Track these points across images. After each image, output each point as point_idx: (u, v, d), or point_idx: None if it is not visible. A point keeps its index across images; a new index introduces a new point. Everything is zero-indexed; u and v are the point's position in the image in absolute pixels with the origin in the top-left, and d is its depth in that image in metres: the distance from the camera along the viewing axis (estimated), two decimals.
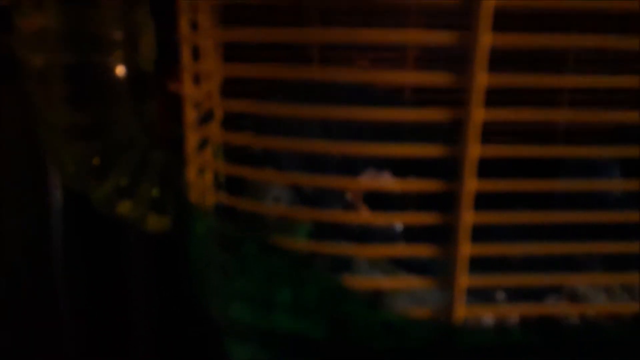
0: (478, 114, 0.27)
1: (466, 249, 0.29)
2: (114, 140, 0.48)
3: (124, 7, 0.46)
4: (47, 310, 0.67)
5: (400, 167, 0.60)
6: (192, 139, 0.37)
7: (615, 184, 0.32)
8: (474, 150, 0.27)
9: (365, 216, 0.46)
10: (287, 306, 0.32)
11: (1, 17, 0.49)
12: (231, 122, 0.53)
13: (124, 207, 0.49)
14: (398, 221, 0.44)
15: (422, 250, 0.30)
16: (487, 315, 0.37)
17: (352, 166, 0.59)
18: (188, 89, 0.36)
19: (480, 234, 0.29)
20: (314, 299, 0.32)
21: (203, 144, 0.40)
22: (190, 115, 0.37)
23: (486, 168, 0.29)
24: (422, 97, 0.61)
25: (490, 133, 0.29)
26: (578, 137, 0.52)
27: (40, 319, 0.67)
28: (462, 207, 0.28)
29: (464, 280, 0.29)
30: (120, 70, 0.47)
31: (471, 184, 0.28)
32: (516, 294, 0.40)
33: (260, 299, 0.33)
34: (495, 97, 0.28)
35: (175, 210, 0.48)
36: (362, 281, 0.32)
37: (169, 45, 0.41)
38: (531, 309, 0.32)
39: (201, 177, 0.40)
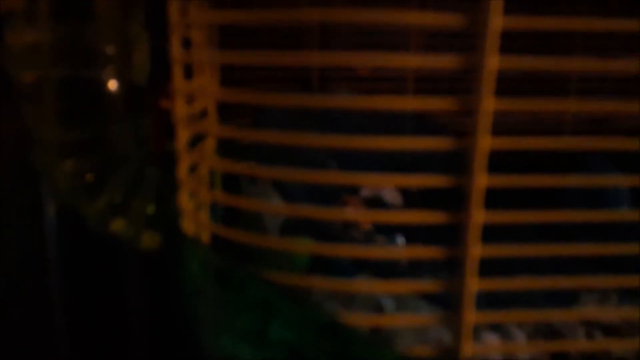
0: (484, 142, 0.25)
1: (473, 283, 0.27)
2: (108, 156, 0.47)
3: (118, 21, 0.45)
4: (41, 326, 0.66)
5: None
6: (184, 163, 0.35)
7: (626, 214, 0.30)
8: (481, 180, 0.26)
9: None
10: (281, 343, 0.30)
11: None
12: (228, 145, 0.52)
13: (118, 225, 0.48)
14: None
15: (427, 286, 0.28)
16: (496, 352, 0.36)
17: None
18: (180, 111, 0.34)
19: (489, 267, 0.28)
20: (312, 336, 0.30)
21: (196, 167, 0.39)
22: (183, 138, 0.35)
23: (493, 198, 0.28)
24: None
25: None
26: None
27: (35, 334, 0.66)
28: (469, 240, 0.27)
29: (471, 316, 0.28)
30: (113, 84, 0.46)
31: (478, 216, 0.26)
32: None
33: (253, 334, 0.31)
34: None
35: (167, 234, 0.47)
36: (362, 319, 0.31)
37: (163, 59, 0.40)
38: (543, 345, 0.31)
39: (194, 203, 0.38)
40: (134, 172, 0.48)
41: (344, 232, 0.49)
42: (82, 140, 0.46)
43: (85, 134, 0.46)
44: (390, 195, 0.60)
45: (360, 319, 0.30)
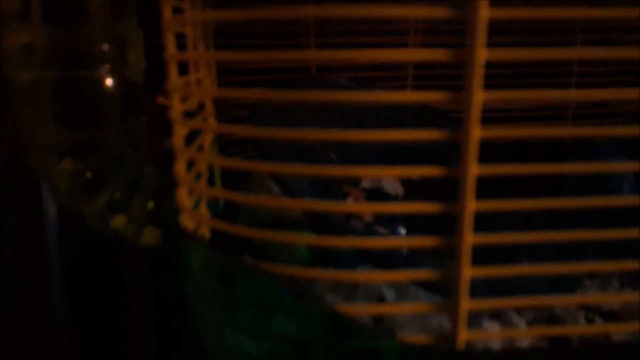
0: (475, 133, 0.25)
1: (467, 271, 0.28)
2: (106, 156, 0.47)
3: (112, 20, 0.45)
4: (42, 329, 0.66)
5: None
6: (181, 160, 0.35)
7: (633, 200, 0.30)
8: (473, 170, 0.26)
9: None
10: (284, 336, 0.31)
11: None
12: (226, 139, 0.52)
13: (118, 222, 0.48)
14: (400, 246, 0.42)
15: (424, 275, 0.29)
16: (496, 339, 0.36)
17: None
18: (176, 108, 0.35)
19: (490, 256, 0.28)
20: (314, 328, 0.31)
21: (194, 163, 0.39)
22: (180, 135, 0.35)
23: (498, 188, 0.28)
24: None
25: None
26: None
27: (36, 337, 0.66)
28: (463, 229, 0.27)
29: (466, 303, 0.28)
30: (108, 83, 0.46)
31: (471, 205, 0.27)
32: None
33: (256, 329, 0.32)
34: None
35: (166, 231, 0.47)
36: (361, 308, 0.31)
37: (159, 57, 0.40)
38: (542, 330, 0.31)
39: (193, 199, 0.38)
40: (133, 170, 0.48)
41: (345, 224, 0.50)
42: (80, 140, 0.46)
43: (82, 134, 0.46)
44: (391, 186, 0.61)
45: (359, 308, 0.30)
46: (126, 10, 0.46)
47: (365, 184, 0.61)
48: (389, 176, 0.59)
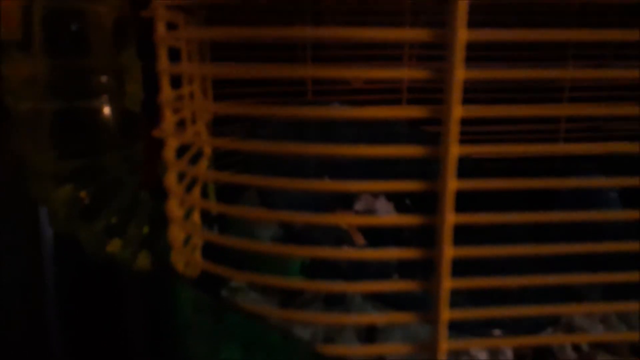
0: (454, 150, 0.27)
1: (447, 281, 0.29)
2: (103, 182, 0.48)
3: (111, 51, 0.46)
4: (38, 353, 0.67)
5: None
6: (172, 173, 0.36)
7: (615, 214, 0.31)
8: (452, 184, 0.27)
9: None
10: None
11: None
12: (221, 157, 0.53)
13: (114, 246, 0.49)
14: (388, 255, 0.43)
15: (406, 285, 0.30)
16: (480, 350, 0.37)
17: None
18: (168, 121, 0.36)
19: (472, 266, 0.29)
20: None
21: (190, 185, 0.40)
22: (171, 148, 0.36)
23: (474, 201, 0.29)
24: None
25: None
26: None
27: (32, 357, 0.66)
28: (443, 241, 0.28)
29: (446, 314, 0.29)
30: (107, 113, 0.47)
31: (451, 218, 0.28)
32: (513, 329, 0.39)
33: None
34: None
35: (159, 258, 0.48)
36: (349, 318, 0.32)
37: (156, 86, 0.41)
38: (523, 340, 0.32)
39: (185, 210, 0.39)
40: (130, 196, 0.49)
41: (337, 247, 0.51)
42: (78, 167, 0.47)
43: (81, 162, 0.47)
44: (384, 209, 0.61)
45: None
46: (126, 41, 0.48)
47: (359, 207, 0.62)
48: (378, 192, 0.60)
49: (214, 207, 0.43)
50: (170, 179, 0.36)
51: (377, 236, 0.55)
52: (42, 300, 0.66)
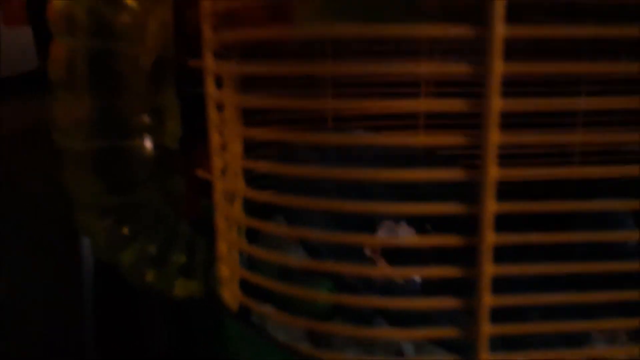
0: (493, 173, 0.28)
1: (488, 298, 0.30)
2: (143, 215, 0.50)
3: (150, 91, 0.49)
4: None
5: (416, 216, 0.62)
6: (221, 215, 0.39)
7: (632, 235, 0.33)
8: (491, 206, 0.29)
9: (385, 271, 0.47)
10: None
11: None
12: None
13: (152, 276, 0.51)
14: (417, 275, 0.45)
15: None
16: None
17: (369, 217, 0.60)
18: (216, 167, 0.38)
19: (499, 285, 0.30)
20: None
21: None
22: (219, 191, 0.39)
23: (502, 222, 0.31)
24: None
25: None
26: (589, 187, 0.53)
27: None
28: (483, 260, 0.30)
29: (487, 327, 0.31)
30: (147, 151, 0.49)
31: (491, 238, 0.29)
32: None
33: None
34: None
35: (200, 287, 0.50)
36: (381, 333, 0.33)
37: (194, 123, 0.44)
38: (559, 355, 0.33)
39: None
40: (168, 228, 0.51)
41: (365, 280, 0.52)
42: (119, 202, 0.49)
43: (122, 196, 0.49)
44: (406, 234, 0.62)
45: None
46: (165, 81, 0.50)
47: (382, 233, 0.63)
48: (400, 218, 0.62)
49: (246, 247, 0.45)
50: (219, 221, 0.39)
51: (399, 263, 0.56)
52: (81, 325, 0.67)
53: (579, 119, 0.66)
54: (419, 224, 0.63)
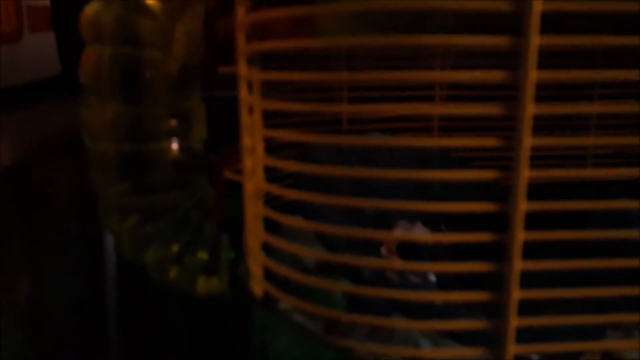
0: (525, 174, 0.30)
1: (516, 292, 0.32)
2: (167, 214, 0.52)
3: (177, 96, 0.50)
4: None
5: (431, 217, 0.63)
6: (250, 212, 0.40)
7: None
8: (523, 205, 0.30)
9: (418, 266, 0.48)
10: None
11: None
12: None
13: (175, 273, 0.52)
14: (450, 270, 0.46)
15: (474, 296, 0.33)
16: None
17: (385, 217, 0.61)
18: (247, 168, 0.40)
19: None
20: None
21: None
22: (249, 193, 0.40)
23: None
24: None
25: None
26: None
27: None
28: (513, 256, 0.31)
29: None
30: (173, 154, 0.51)
31: (521, 236, 0.31)
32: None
33: None
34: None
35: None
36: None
37: (218, 126, 0.45)
38: (579, 346, 0.34)
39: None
40: (193, 227, 0.53)
41: (380, 275, 0.53)
42: (145, 202, 0.51)
43: (149, 197, 0.51)
44: (422, 234, 0.63)
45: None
46: (192, 87, 0.52)
47: (397, 233, 0.64)
48: (415, 218, 0.63)
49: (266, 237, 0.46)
50: (249, 218, 0.41)
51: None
52: (104, 319, 0.69)
53: (592, 121, 0.67)
54: (434, 223, 0.64)
